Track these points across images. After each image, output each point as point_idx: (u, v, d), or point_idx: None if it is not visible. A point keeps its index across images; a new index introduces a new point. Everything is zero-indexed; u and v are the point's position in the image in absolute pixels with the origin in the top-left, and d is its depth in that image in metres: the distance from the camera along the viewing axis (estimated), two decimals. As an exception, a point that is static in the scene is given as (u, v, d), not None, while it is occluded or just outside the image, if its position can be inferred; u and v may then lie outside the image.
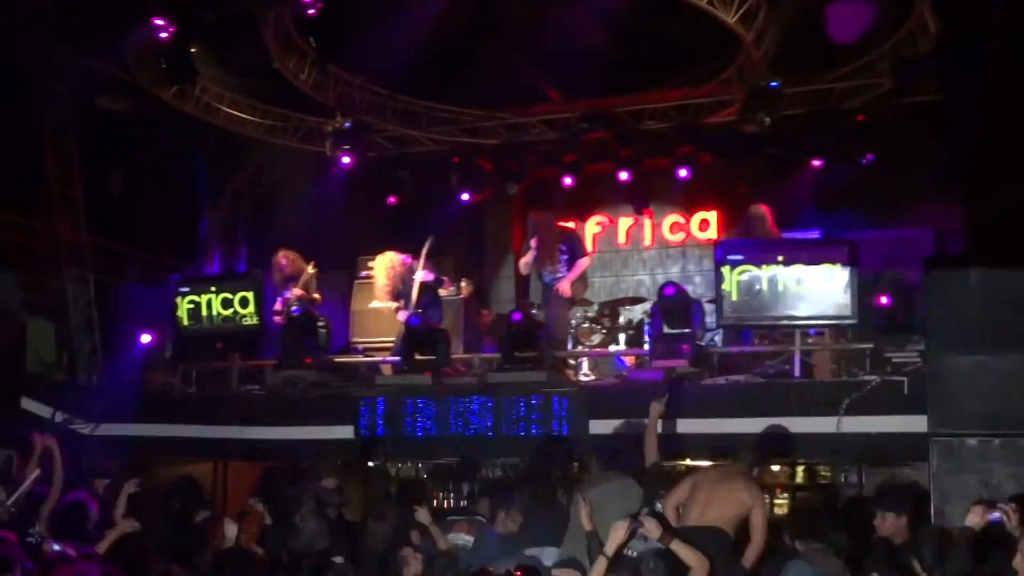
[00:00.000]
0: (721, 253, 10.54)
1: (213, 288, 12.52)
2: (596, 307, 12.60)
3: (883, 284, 9.73)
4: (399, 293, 12.01)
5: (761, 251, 10.48)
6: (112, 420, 11.99)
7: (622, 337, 12.34)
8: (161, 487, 9.15)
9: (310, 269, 12.62)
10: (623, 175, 13.42)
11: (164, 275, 14.06)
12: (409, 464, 11.67)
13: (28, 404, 11.94)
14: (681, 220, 14.57)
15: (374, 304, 12.93)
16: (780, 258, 10.25)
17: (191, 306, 12.47)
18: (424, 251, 11.97)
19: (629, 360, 12.04)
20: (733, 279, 10.29)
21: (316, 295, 12.69)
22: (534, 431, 10.24)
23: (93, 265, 13.60)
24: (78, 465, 9.56)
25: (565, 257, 11.89)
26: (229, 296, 12.30)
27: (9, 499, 9.22)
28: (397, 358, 11.53)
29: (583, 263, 11.99)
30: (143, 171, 15.27)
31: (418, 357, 10.98)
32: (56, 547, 6.96)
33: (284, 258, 12.70)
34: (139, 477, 8.89)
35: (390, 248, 12.29)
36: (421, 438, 10.73)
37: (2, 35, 11.64)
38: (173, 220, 15.71)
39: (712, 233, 14.24)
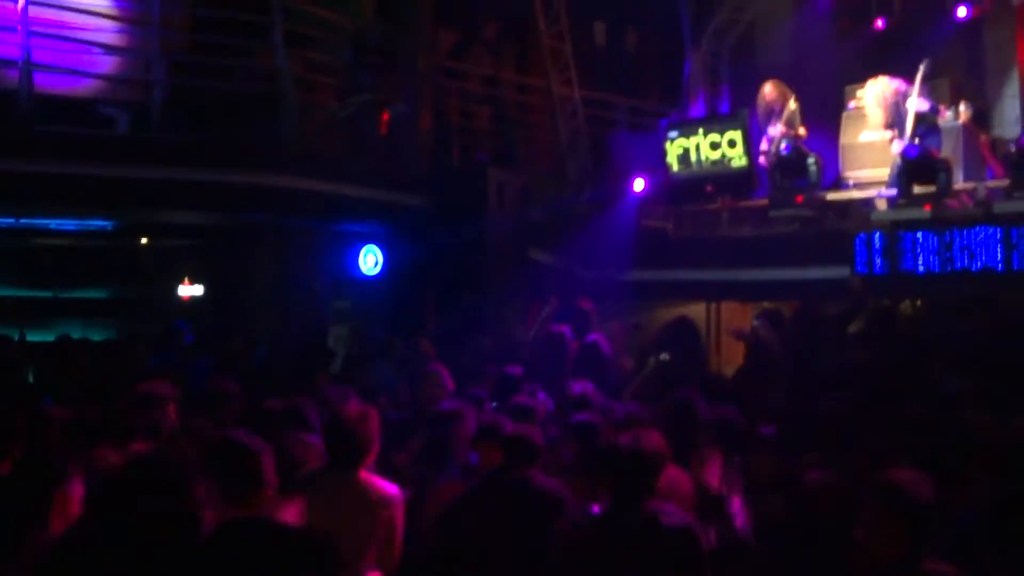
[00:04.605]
0: None
1: (701, 131, 12.61)
2: (1120, 123, 11.26)
3: None
4: (893, 122, 11.39)
5: None
6: (610, 265, 12.49)
7: None
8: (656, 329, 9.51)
9: (792, 104, 12.28)
10: None
11: (651, 121, 14.33)
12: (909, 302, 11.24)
13: (535, 253, 12.79)
14: None
15: (865, 136, 12.37)
16: None
17: (680, 150, 12.64)
18: (919, 75, 11.21)
19: None
20: None
21: (801, 130, 12.36)
22: (1051, 264, 9.45)
23: (585, 116, 14.11)
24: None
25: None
26: (717, 138, 12.34)
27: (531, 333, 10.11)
28: (893, 191, 11.04)
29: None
30: (624, 19, 15.52)
31: (917, 189, 10.46)
32: (577, 389, 7.41)
33: (769, 89, 12.46)
34: (638, 319, 9.31)
35: (880, 74, 11.64)
36: (923, 274, 10.26)
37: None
38: (655, 65, 15.89)
39: None
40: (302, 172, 11.75)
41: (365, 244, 13.25)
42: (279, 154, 11.72)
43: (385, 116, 13.35)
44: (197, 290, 15.00)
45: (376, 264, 13.24)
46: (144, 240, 14.73)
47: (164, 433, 5.45)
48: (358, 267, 13.24)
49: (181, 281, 14.96)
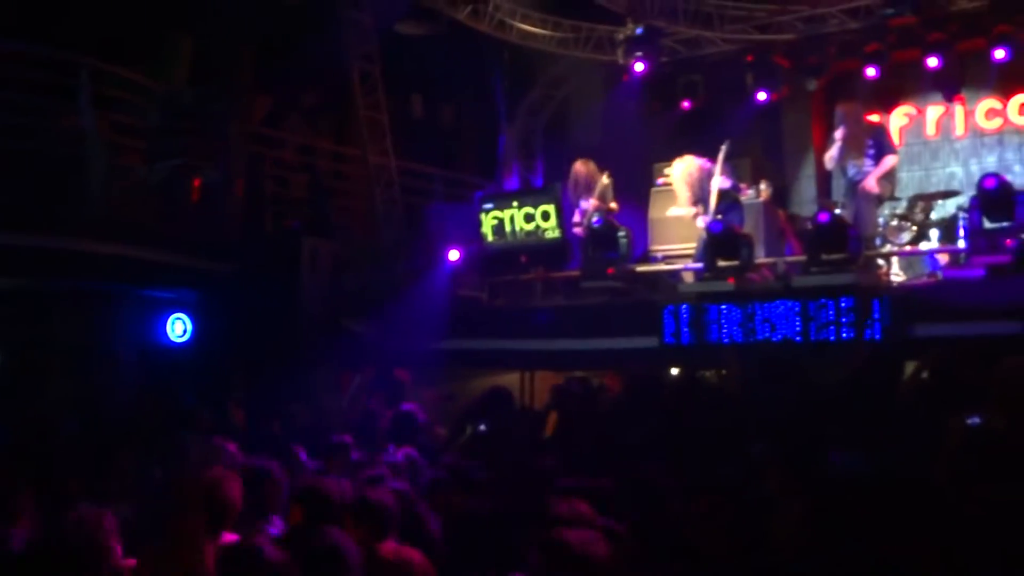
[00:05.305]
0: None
1: (515, 203, 12.81)
2: (905, 203, 11.98)
3: None
4: (698, 199, 11.84)
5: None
6: (424, 334, 12.45)
7: (933, 234, 11.69)
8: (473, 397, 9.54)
9: (604, 179, 12.63)
10: (932, 62, 12.61)
11: (466, 193, 14.49)
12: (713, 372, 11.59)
13: (348, 322, 12.67)
14: (998, 105, 13.54)
15: (672, 211, 12.79)
16: None
17: (495, 222, 12.81)
18: (721, 155, 11.71)
19: (943, 258, 11.41)
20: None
21: (612, 204, 12.71)
22: (845, 336, 9.90)
23: (400, 187, 14.16)
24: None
25: (872, 152, 11.36)
26: (531, 210, 12.56)
27: (344, 402, 10.00)
28: (699, 265, 11.41)
29: (890, 160, 11.43)
30: (441, 93, 15.71)
31: (721, 263, 10.82)
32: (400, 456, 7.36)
33: (581, 166, 12.78)
34: (452, 388, 9.33)
35: (686, 153, 12.12)
36: (727, 345, 10.60)
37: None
38: (471, 138, 16.12)
39: (1032, 117, 13.19)
40: (107, 236, 11.38)
41: (174, 311, 12.87)
42: (83, 218, 11.33)
43: (197, 182, 13.07)
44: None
45: (185, 331, 12.88)
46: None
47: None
48: (166, 334, 12.85)
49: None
